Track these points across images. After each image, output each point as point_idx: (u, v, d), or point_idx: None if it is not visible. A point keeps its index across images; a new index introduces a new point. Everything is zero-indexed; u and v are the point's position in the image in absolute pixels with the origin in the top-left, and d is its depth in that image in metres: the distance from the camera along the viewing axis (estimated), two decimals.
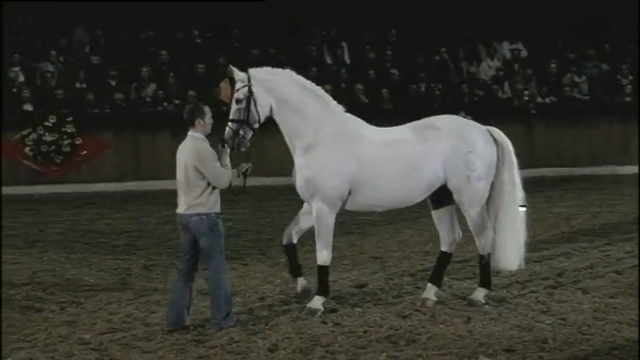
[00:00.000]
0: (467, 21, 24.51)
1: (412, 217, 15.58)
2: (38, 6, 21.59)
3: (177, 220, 8.92)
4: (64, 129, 19.95)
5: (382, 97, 22.12)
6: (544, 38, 24.81)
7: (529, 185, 21.28)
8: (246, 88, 9.11)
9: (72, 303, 10.04)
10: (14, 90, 20.38)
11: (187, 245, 8.89)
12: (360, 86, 21.94)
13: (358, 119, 9.62)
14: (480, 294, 9.66)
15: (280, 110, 9.24)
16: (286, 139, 9.37)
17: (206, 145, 8.75)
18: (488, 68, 24.12)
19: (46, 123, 19.90)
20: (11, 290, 10.58)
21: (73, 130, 19.96)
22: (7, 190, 18.85)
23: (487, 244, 9.62)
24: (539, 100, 23.57)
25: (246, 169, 9.04)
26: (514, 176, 9.67)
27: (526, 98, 23.38)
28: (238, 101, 9.10)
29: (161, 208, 17.01)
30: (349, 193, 9.28)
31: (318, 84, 15.30)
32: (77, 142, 19.99)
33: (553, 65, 24.07)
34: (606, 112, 23.01)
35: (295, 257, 9.60)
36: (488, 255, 9.65)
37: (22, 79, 20.75)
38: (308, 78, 24.47)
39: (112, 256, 12.69)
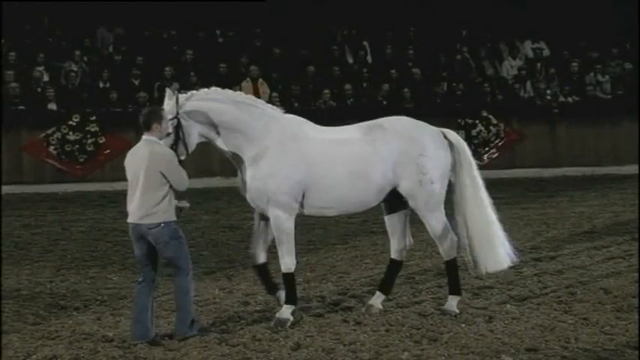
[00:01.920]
0: (489, 20, 24.43)
1: None
2: (62, 6, 21.70)
3: (130, 231, 8.45)
4: (87, 128, 20.05)
5: (404, 97, 22.08)
6: (567, 37, 24.69)
7: (551, 184, 21.24)
8: (174, 120, 8.65)
9: (95, 301, 10.10)
10: (39, 89, 20.51)
11: (144, 256, 8.48)
12: (387, 87, 21.89)
13: (302, 119, 9.29)
14: (452, 302, 9.31)
15: (219, 134, 8.87)
16: (228, 155, 9.03)
17: (165, 147, 8.40)
18: (510, 67, 24.02)
19: (70, 122, 20.01)
20: (36, 288, 10.65)
21: (97, 129, 20.05)
22: (31, 189, 18.99)
23: (451, 250, 9.29)
24: (562, 99, 23.46)
25: (182, 208, 8.55)
26: (475, 177, 9.38)
27: (548, 97, 23.27)
28: (167, 133, 8.58)
29: None
30: (303, 196, 8.97)
31: (340, 83, 14.92)
32: (101, 141, 20.09)
33: (575, 64, 23.95)
34: (629, 111, 22.85)
35: (268, 277, 9.29)
36: (454, 260, 9.33)
37: (46, 78, 20.88)
38: (330, 77, 24.52)
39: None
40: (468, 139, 21.97)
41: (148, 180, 8.23)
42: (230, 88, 22.08)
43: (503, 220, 9.49)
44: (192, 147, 8.81)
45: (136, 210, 8.33)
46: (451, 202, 9.38)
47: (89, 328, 8.93)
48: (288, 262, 9.01)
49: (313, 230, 14.39)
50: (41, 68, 20.92)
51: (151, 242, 8.37)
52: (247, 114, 8.95)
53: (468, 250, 9.35)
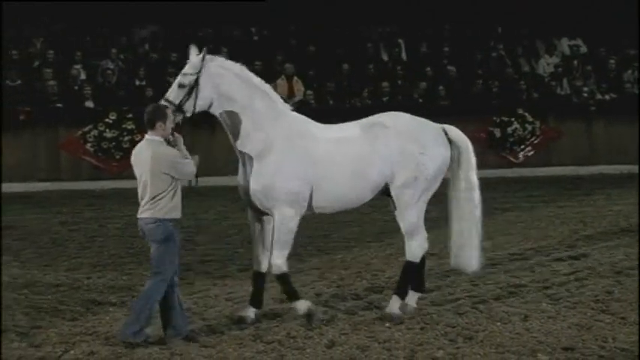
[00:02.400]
0: (525, 17, 24.26)
1: None
2: (99, 5, 21.87)
3: (138, 227, 8.40)
4: (124, 125, 20.18)
5: (439, 94, 22.00)
6: (603, 34, 24.46)
7: (588, 182, 21.05)
8: (194, 76, 8.64)
9: (132, 297, 10.15)
10: (76, 87, 20.68)
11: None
12: (424, 85, 21.83)
13: (306, 118, 9.16)
14: (394, 305, 9.08)
15: (224, 108, 8.78)
16: (230, 138, 8.88)
17: (167, 147, 8.31)
18: (546, 65, 23.84)
19: (107, 119, 20.16)
20: (74, 284, 10.75)
21: (133, 126, 20.18)
22: (68, 186, 19.17)
23: (416, 251, 9.11)
24: (599, 96, 23.25)
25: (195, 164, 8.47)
26: (471, 177, 9.24)
27: (585, 95, 23.07)
28: (181, 86, 8.63)
29: (218, 204, 17.16)
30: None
31: (375, 81, 14.63)
32: (137, 139, 20.20)
33: (613, 61, 23.72)
34: None
35: (262, 288, 9.09)
36: (413, 265, 9.11)
37: (83, 76, 21.05)
38: (365, 75, 24.44)
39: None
40: (504, 137, 21.90)
41: (154, 181, 8.19)
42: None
43: (540, 218, 9.43)
44: (199, 109, 8.67)
45: (141, 206, 8.29)
46: (445, 195, 9.30)
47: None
48: (280, 263, 8.78)
49: (349, 228, 14.39)
50: (78, 66, 21.09)
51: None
52: (260, 100, 8.86)
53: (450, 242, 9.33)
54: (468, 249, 9.26)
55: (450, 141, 9.26)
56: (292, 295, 8.98)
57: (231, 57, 23.91)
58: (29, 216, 15.69)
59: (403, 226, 9.11)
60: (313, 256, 12.36)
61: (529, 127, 22.16)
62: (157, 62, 21.91)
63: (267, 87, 9.06)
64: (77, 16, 22.45)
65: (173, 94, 8.63)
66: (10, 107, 19.67)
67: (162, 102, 8.58)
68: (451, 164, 9.24)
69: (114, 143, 20.12)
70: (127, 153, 20.77)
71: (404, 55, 23.46)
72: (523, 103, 22.38)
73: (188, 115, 8.65)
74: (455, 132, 9.35)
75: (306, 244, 13.17)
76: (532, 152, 22.28)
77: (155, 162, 8.18)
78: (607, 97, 23.27)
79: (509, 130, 22.00)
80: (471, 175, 9.25)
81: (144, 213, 8.25)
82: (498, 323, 8.86)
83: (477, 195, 9.24)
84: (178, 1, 21.92)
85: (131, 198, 17.93)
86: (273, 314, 9.28)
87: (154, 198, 8.19)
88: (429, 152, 9.05)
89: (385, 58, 23.31)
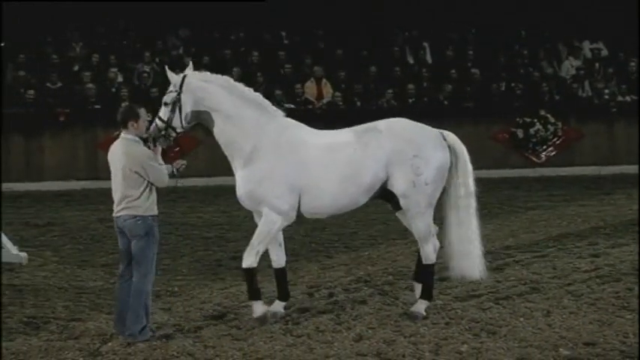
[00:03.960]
0: (548, 21, 24.12)
1: (493, 213, 15.46)
2: (134, 9, 22.00)
3: (114, 223, 8.35)
4: None
5: (463, 96, 21.95)
6: (624, 38, 24.26)
7: (609, 182, 20.90)
8: (175, 94, 8.64)
9: (166, 291, 10.22)
10: (113, 90, 20.81)
11: (126, 250, 8.31)
12: (449, 87, 21.77)
13: (299, 124, 8.94)
14: (420, 306, 8.94)
15: (213, 119, 8.69)
16: (222, 148, 8.81)
17: (140, 146, 8.28)
18: (570, 67, 23.70)
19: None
20: (111, 279, 10.82)
21: None
22: (106, 184, 18.97)
23: (430, 254, 8.93)
24: (620, 98, 23.07)
25: (180, 166, 8.60)
26: (468, 183, 8.93)
27: (606, 97, 22.91)
28: (166, 104, 8.66)
29: None
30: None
31: (401, 83, 14.54)
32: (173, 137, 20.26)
33: (634, 64, 23.52)
34: None
35: (285, 281, 9.07)
36: (432, 266, 8.97)
37: (120, 79, 21.18)
38: (391, 78, 24.36)
39: (203, 248, 12.87)
40: (527, 138, 21.79)
41: (125, 178, 8.15)
42: (294, 87, 22.33)
43: (562, 217, 9.35)
44: (186, 122, 8.65)
45: (117, 203, 8.25)
46: (441, 203, 8.99)
47: (160, 317, 9.04)
48: (252, 260, 8.63)
49: (375, 225, 14.38)
50: (115, 70, 21.22)
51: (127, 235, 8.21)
52: (248, 108, 8.71)
53: (449, 250, 9.02)
54: (469, 257, 8.97)
55: (448, 146, 8.94)
56: (253, 294, 8.74)
57: (262, 60, 23.96)
58: (69, 213, 15.83)
59: (415, 234, 8.95)
60: (341, 253, 12.37)
61: (551, 128, 22.02)
62: (189, 65, 21.98)
63: (255, 95, 8.89)
64: (114, 21, 22.60)
65: (161, 112, 8.69)
66: (50, 109, 19.84)
67: (157, 120, 8.66)
68: (449, 170, 8.91)
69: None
70: (162, 153, 20.95)
71: (429, 58, 23.40)
72: (545, 105, 22.25)
73: (179, 130, 8.65)
74: (452, 138, 9.04)
75: (334, 241, 13.19)
76: (554, 152, 22.14)
77: (127, 159, 8.15)
78: (627, 98, 23.07)
79: (532, 130, 21.87)
80: (469, 181, 8.95)
81: (121, 211, 8.19)
82: (521, 318, 8.83)
83: (474, 202, 8.98)
84: (211, 1, 21.94)
85: (165, 196, 18.07)
86: (303, 308, 9.30)
87: (128, 197, 8.13)
88: (424, 155, 8.74)
89: (411, 61, 23.26)
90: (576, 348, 7.93)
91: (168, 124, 8.62)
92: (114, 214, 8.30)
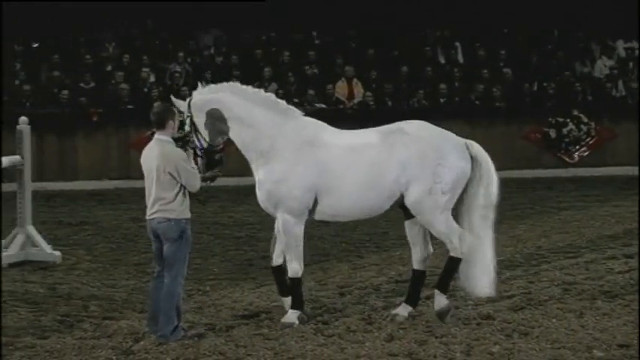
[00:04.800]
0: (581, 20, 23.91)
1: (526, 213, 15.39)
2: (166, 10, 22.11)
3: (147, 226, 8.32)
4: None
5: (495, 96, 21.84)
6: None
7: None
8: (189, 119, 8.54)
9: (198, 291, 10.26)
10: (145, 90, 20.92)
11: (157, 252, 8.32)
12: (480, 87, 21.67)
13: (320, 123, 8.80)
14: (441, 300, 8.74)
15: (229, 127, 8.63)
16: (242, 151, 8.76)
17: (174, 147, 8.24)
18: (603, 67, 23.48)
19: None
20: (143, 278, 10.88)
21: None
22: (140, 184, 19.08)
23: (458, 248, 8.62)
24: None
25: (214, 176, 8.54)
26: (490, 195, 8.65)
27: None
28: (188, 134, 8.58)
29: None
30: (315, 203, 8.56)
31: (433, 83, 14.37)
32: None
33: None
34: None
35: (284, 279, 8.85)
36: (459, 260, 8.66)
37: (152, 79, 21.28)
38: (423, 78, 24.21)
39: (234, 247, 12.90)
40: (559, 138, 21.63)
41: (159, 180, 8.07)
42: (326, 87, 22.29)
43: (595, 217, 9.25)
44: (213, 137, 8.59)
45: (151, 206, 8.20)
46: (459, 213, 8.74)
47: (192, 317, 9.07)
48: (295, 267, 8.61)
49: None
50: (148, 69, 21.33)
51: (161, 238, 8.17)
52: (262, 110, 8.61)
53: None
54: (480, 272, 8.70)
55: (472, 157, 8.70)
56: (297, 303, 8.69)
57: (293, 60, 23.99)
58: (102, 213, 15.95)
59: (437, 236, 8.78)
60: (372, 253, 12.35)
61: (584, 128, 21.84)
62: (221, 65, 22.06)
63: (266, 95, 8.80)
64: (147, 22, 22.73)
65: (191, 143, 8.61)
66: (84, 109, 19.99)
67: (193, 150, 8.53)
68: (470, 180, 8.66)
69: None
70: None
71: (460, 58, 23.31)
72: (578, 105, 22.08)
73: (216, 156, 8.63)
74: (476, 148, 8.77)
75: (365, 241, 13.17)
76: (587, 152, 21.96)
77: (161, 161, 8.08)
78: None
79: (565, 130, 21.71)
80: (491, 191, 8.67)
81: (155, 214, 8.15)
82: (554, 319, 8.77)
83: (492, 213, 8.72)
84: (242, 1, 21.99)
85: (197, 196, 18.01)
86: (334, 308, 9.30)
87: (162, 199, 8.08)
88: (447, 163, 8.54)
89: (442, 60, 23.18)
90: (610, 350, 7.86)
91: (199, 147, 8.59)
92: (147, 217, 8.27)
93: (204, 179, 8.42)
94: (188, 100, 8.67)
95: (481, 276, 8.74)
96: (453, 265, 8.77)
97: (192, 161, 8.42)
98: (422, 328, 8.54)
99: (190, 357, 7.85)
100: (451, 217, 8.67)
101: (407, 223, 8.90)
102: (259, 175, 8.63)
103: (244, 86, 8.85)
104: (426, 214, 8.61)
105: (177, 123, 8.36)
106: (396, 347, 8.02)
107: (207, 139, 8.59)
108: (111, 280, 10.83)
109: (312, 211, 8.64)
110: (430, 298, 9.61)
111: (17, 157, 11.89)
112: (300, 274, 8.65)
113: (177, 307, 8.24)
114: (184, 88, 20.60)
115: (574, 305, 9.27)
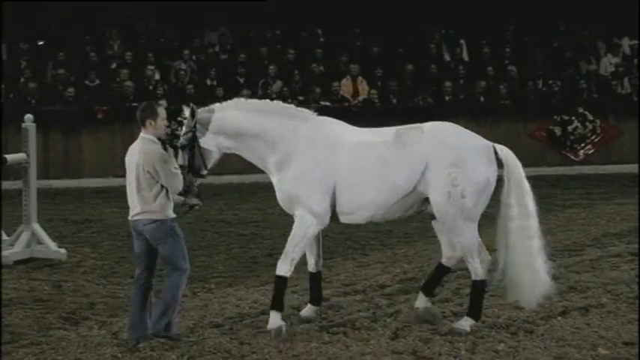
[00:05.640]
0: (587, 18, 23.87)
1: None
2: (171, 8, 22.13)
3: (131, 227, 8.12)
4: None
5: (500, 94, 21.82)
6: None
7: None
8: (190, 133, 8.33)
9: (203, 288, 10.27)
10: (150, 87, 20.93)
11: (143, 254, 8.08)
12: (483, 84, 21.67)
13: (335, 121, 8.59)
14: (465, 323, 8.31)
15: (239, 144, 8.43)
16: (260, 166, 8.59)
17: (157, 147, 7.94)
18: (609, 64, 23.44)
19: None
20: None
21: None
22: None
23: (479, 270, 8.26)
24: None
25: (194, 206, 8.32)
26: (525, 203, 8.26)
27: None
28: (183, 147, 8.31)
29: None
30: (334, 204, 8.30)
31: (438, 81, 14.23)
32: None
33: None
34: None
35: (319, 287, 8.73)
36: (483, 282, 8.31)
37: (157, 77, 21.30)
38: (428, 76, 24.20)
39: (239, 245, 12.91)
40: (565, 135, 21.60)
41: (139, 178, 7.91)
42: (331, 85, 22.26)
43: (600, 215, 9.22)
44: (210, 161, 8.42)
45: (133, 207, 8.03)
46: (498, 229, 8.40)
47: (197, 314, 9.09)
48: (286, 267, 8.31)
49: (411, 223, 14.31)
50: (153, 67, 21.35)
51: (149, 240, 8.00)
52: (270, 121, 8.40)
53: (502, 274, 8.39)
54: (523, 285, 8.31)
55: (500, 161, 8.31)
56: (276, 304, 8.34)
57: (298, 58, 23.97)
58: (107, 210, 15.96)
59: (458, 249, 8.42)
60: (377, 251, 12.35)
61: (589, 126, 21.81)
62: (226, 63, 22.07)
63: (274, 104, 8.65)
64: (152, 20, 22.74)
65: (180, 159, 8.30)
66: (89, 107, 20.01)
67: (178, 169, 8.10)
68: (501, 188, 8.31)
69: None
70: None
71: (465, 56, 23.28)
72: (583, 102, 22.04)
73: (204, 172, 8.37)
74: (506, 152, 8.36)
75: (370, 239, 13.16)
76: (592, 150, 21.92)
77: (141, 159, 7.90)
78: None
79: (570, 128, 21.67)
80: (525, 200, 8.29)
81: (140, 215, 7.96)
82: (559, 317, 8.76)
83: (534, 223, 8.30)
84: (248, 2, 22.00)
85: (202, 193, 18.07)
86: (338, 306, 9.30)
87: (143, 199, 7.90)
88: (464, 166, 8.12)
89: (447, 58, 23.17)
90: (615, 347, 7.85)
91: (190, 167, 8.29)
92: (130, 217, 8.06)
93: (184, 203, 8.26)
94: (191, 113, 8.46)
95: (526, 291, 8.33)
96: (477, 289, 8.38)
97: (174, 161, 8.09)
98: (426, 326, 8.53)
99: (195, 355, 7.85)
100: (477, 233, 8.29)
101: (433, 222, 8.61)
102: (277, 177, 8.41)
103: (249, 100, 8.76)
104: (449, 222, 8.25)
105: (160, 123, 8.04)
106: (401, 345, 8.01)
107: (204, 160, 8.36)
108: (116, 277, 10.84)
109: (332, 217, 8.39)
110: (435, 296, 9.63)
111: (22, 155, 11.92)
112: (288, 275, 8.34)
113: (176, 303, 8.07)
114: (190, 86, 20.66)
115: (579, 303, 9.26)
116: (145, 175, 7.89)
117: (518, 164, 8.36)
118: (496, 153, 8.33)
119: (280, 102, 8.81)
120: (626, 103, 22.49)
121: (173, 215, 8.01)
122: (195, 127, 8.36)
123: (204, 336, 8.33)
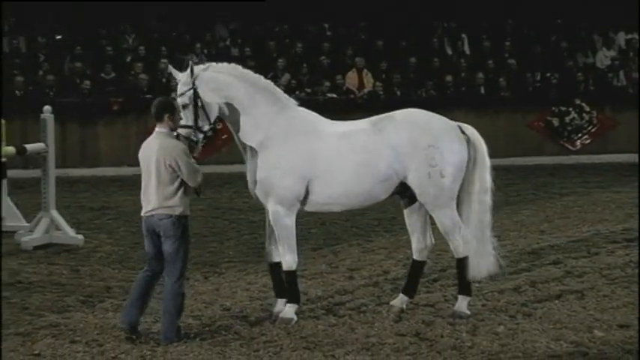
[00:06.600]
0: (584, 12, 23.80)
1: (529, 199, 15.36)
2: (184, 5, 22.12)
3: (143, 224, 7.76)
4: None
5: (500, 86, 21.80)
6: None
7: None
8: (191, 91, 7.92)
9: (214, 273, 10.29)
10: (164, 80, 20.93)
11: (154, 251, 7.75)
12: (481, 75, 21.65)
13: (313, 113, 8.36)
14: (463, 304, 8.31)
15: (227, 110, 8.08)
16: (235, 138, 8.22)
17: (177, 141, 7.67)
18: (605, 57, 23.38)
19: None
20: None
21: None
22: None
23: (460, 247, 8.25)
24: None
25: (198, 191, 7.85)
26: (485, 179, 8.26)
27: None
28: (185, 106, 7.89)
29: None
30: (307, 192, 8.11)
31: (440, 74, 14.14)
32: (218, 127, 20.32)
33: None
34: None
35: (280, 278, 8.34)
36: (466, 259, 8.26)
37: (170, 69, 21.27)
38: (430, 69, 24.23)
39: (249, 231, 12.91)
40: (562, 126, 21.57)
41: (159, 174, 7.56)
42: (336, 78, 22.21)
43: (596, 202, 9.21)
44: (213, 116, 8.01)
45: (147, 203, 7.69)
46: (459, 201, 8.33)
47: (209, 297, 9.11)
48: (289, 259, 8.11)
49: None
50: (166, 60, 21.33)
51: (160, 236, 7.65)
52: (261, 97, 8.13)
53: None
54: (479, 256, 8.29)
55: (467, 139, 8.32)
56: (292, 296, 8.24)
57: (305, 51, 23.92)
58: (122, 198, 15.98)
59: (440, 228, 8.35)
60: (381, 237, 12.35)
61: (586, 117, 21.78)
62: (236, 56, 22.05)
63: (266, 82, 8.32)
64: (165, 15, 22.74)
65: (184, 117, 7.91)
66: (105, 99, 20.05)
67: (179, 130, 7.81)
68: (467, 165, 8.29)
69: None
70: (209, 140, 21.03)
71: (467, 49, 23.24)
72: (580, 94, 22.01)
73: (206, 129, 7.98)
74: (471, 131, 8.37)
75: (374, 225, 13.17)
76: (589, 140, 21.90)
77: (160, 153, 7.55)
78: None
79: (567, 119, 21.66)
80: (485, 175, 8.30)
81: (156, 210, 7.61)
82: (556, 301, 8.76)
83: (489, 198, 8.31)
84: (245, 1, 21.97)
85: (212, 182, 18.15)
86: (344, 290, 9.31)
87: (162, 194, 7.58)
88: (440, 146, 8.13)
89: (449, 51, 23.12)
90: (610, 330, 7.85)
91: (195, 126, 7.91)
92: (144, 213, 7.70)
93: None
94: (191, 70, 8.03)
95: (481, 262, 8.32)
96: (462, 266, 8.34)
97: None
98: (429, 310, 8.55)
99: (207, 336, 7.87)
100: (456, 213, 8.28)
101: (405, 211, 8.58)
102: (251, 163, 8.16)
103: (246, 70, 8.31)
104: (430, 202, 8.24)
105: (177, 117, 7.75)
106: (404, 327, 8.03)
107: (209, 117, 8.00)
108: (131, 262, 10.87)
109: (303, 202, 8.18)
110: (437, 280, 9.65)
111: (41, 145, 11.97)
112: (294, 267, 8.17)
113: (181, 307, 7.74)
114: None
115: (575, 287, 9.26)
116: (166, 169, 7.56)
117: (483, 142, 8.37)
118: (463, 132, 8.36)
119: (272, 83, 8.44)
120: (622, 94, 22.48)
121: (189, 214, 7.74)
122: (194, 83, 7.98)
123: (215, 318, 8.35)
